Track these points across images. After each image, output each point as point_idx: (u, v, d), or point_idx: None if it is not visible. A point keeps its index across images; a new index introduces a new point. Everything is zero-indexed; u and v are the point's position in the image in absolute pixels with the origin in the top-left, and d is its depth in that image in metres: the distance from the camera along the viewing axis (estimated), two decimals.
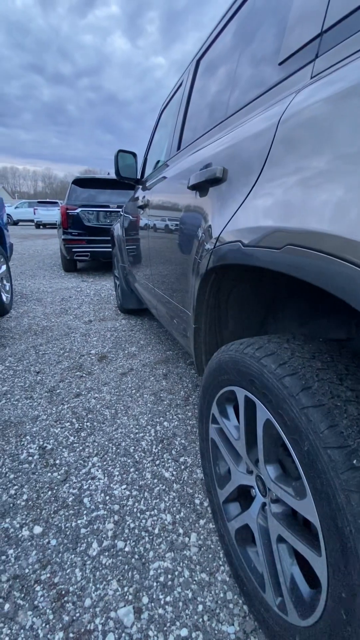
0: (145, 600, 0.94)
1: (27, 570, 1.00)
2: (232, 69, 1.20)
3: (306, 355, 0.66)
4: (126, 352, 2.62)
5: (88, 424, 1.70)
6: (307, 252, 0.54)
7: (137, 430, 1.65)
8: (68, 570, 1.00)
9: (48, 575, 0.99)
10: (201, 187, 1.14)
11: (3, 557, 1.03)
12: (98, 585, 0.97)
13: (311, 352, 0.68)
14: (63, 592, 0.95)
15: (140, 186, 2.62)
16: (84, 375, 2.23)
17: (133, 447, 1.53)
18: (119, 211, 5.26)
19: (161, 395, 1.99)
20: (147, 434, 1.63)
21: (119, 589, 0.96)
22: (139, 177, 2.70)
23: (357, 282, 0.44)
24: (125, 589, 0.96)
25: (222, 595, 0.95)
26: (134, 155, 2.67)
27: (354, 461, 0.49)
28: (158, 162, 2.30)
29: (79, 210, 5.32)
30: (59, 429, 1.65)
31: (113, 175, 5.18)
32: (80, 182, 5.62)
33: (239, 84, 1.13)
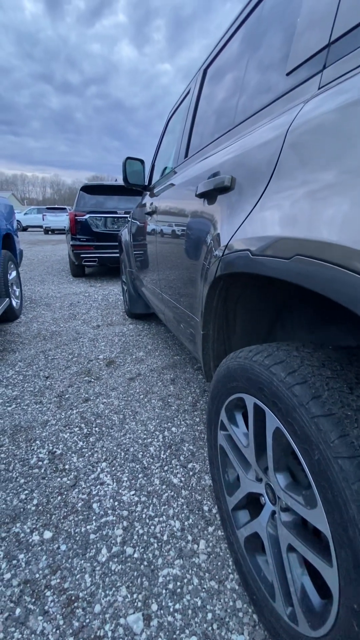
0: (154, 607, 0.94)
1: (37, 575, 1.01)
2: (239, 78, 1.21)
3: (316, 364, 0.66)
4: (134, 357, 2.63)
5: (97, 429, 1.71)
6: (316, 263, 0.54)
7: (145, 436, 1.66)
8: (78, 576, 1.01)
9: (58, 580, 1.00)
10: (209, 195, 1.15)
11: (14, 562, 1.04)
12: (107, 592, 0.97)
13: (321, 360, 0.68)
14: (73, 598, 0.95)
15: (148, 192, 2.64)
16: (92, 380, 2.24)
17: (141, 453, 1.54)
18: (126, 217, 5.31)
19: (169, 400, 2.00)
20: (155, 440, 1.63)
21: (128, 596, 0.96)
22: (146, 183, 2.73)
23: None
24: (135, 595, 0.96)
25: (231, 603, 0.95)
26: (142, 162, 2.70)
27: None
28: (165, 168, 2.33)
29: (87, 216, 5.38)
30: (68, 434, 1.66)
31: (120, 182, 5.24)
32: (88, 189, 5.70)
33: (246, 93, 1.14)
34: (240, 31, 1.27)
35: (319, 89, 0.70)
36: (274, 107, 0.90)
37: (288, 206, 0.67)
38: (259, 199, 0.80)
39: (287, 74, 0.85)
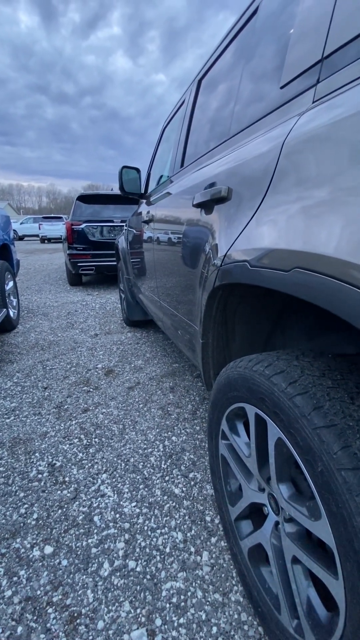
0: (158, 622, 0.92)
1: (39, 592, 0.99)
2: (234, 90, 1.23)
3: (316, 373, 0.67)
4: (132, 365, 2.63)
5: (96, 440, 1.69)
6: (315, 276, 0.54)
7: (145, 446, 1.65)
8: (80, 592, 0.99)
9: (60, 596, 0.98)
10: (206, 205, 1.16)
11: (15, 579, 1.03)
12: (110, 607, 0.96)
13: (321, 369, 0.68)
14: (75, 615, 0.94)
15: (144, 201, 2.66)
16: (91, 390, 2.23)
17: (142, 463, 1.52)
18: (122, 225, 5.33)
19: (169, 409, 1.99)
20: (156, 449, 1.62)
21: (132, 611, 0.95)
22: (142, 192, 2.75)
23: None
24: (138, 610, 0.95)
25: (236, 616, 0.94)
26: (138, 170, 2.72)
27: None
28: (161, 177, 2.35)
29: (83, 225, 5.40)
30: (67, 445, 1.65)
31: (116, 191, 5.27)
32: (84, 199, 5.74)
33: (240, 105, 1.16)
34: (233, 44, 1.29)
35: (313, 102, 0.71)
36: (269, 119, 0.91)
37: (287, 217, 0.68)
38: (257, 210, 0.81)
39: (282, 87, 0.87)
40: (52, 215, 22.20)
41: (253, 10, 1.13)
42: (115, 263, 5.14)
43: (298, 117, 0.74)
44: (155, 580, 1.03)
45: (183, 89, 2.00)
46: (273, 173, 0.76)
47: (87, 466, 1.50)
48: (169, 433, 1.75)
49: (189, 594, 0.99)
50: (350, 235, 0.50)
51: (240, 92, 1.17)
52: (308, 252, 0.57)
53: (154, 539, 1.16)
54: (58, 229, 18.81)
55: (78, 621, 0.92)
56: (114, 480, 1.42)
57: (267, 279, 0.70)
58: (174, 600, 0.98)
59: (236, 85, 1.21)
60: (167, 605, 0.96)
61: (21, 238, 22.92)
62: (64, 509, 1.27)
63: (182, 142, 1.82)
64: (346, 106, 0.58)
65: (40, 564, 1.07)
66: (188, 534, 1.18)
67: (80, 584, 1.02)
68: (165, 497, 1.34)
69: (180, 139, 1.86)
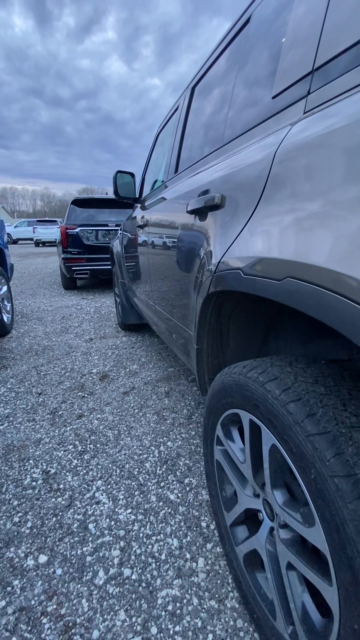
0: (154, 630, 0.92)
1: (33, 602, 0.98)
2: (227, 97, 1.24)
3: (309, 380, 0.67)
4: (127, 370, 2.62)
5: (91, 446, 1.69)
6: (307, 286, 0.55)
7: (140, 452, 1.64)
8: (75, 601, 0.99)
9: (54, 606, 0.97)
10: (200, 212, 1.17)
11: (9, 589, 1.02)
12: (105, 616, 0.95)
13: (314, 376, 0.69)
14: (70, 624, 0.93)
15: (139, 205, 2.67)
16: (85, 395, 2.22)
17: (137, 469, 1.52)
18: (117, 229, 5.33)
19: (164, 414, 1.99)
20: (151, 455, 1.62)
21: (127, 620, 0.94)
22: (137, 196, 2.76)
23: (355, 319, 0.46)
24: (134, 619, 0.94)
25: (232, 623, 0.94)
26: (132, 175, 2.73)
27: None
28: (155, 181, 2.36)
29: (78, 229, 5.40)
30: (62, 452, 1.64)
31: (111, 195, 5.27)
32: (79, 203, 5.74)
33: (233, 113, 1.17)
34: (226, 52, 1.31)
35: (304, 113, 0.72)
36: (261, 128, 0.92)
37: (279, 226, 0.69)
38: (250, 217, 0.82)
39: (274, 97, 0.88)
40: (47, 218, 22.14)
41: (245, 19, 1.14)
42: (110, 267, 5.14)
43: (290, 127, 0.75)
44: (151, 588, 1.02)
45: (178, 93, 2.02)
46: (266, 181, 0.77)
47: (81, 473, 1.50)
48: (165, 438, 1.75)
49: (184, 601, 0.99)
50: (342, 245, 0.50)
51: (233, 100, 1.18)
52: (300, 262, 0.58)
53: (150, 546, 1.15)
54: (52, 232, 18.75)
55: (73, 631, 0.91)
56: (109, 486, 1.42)
57: (260, 287, 0.71)
58: (170, 607, 0.97)
59: (229, 94, 1.22)
60: (163, 613, 0.96)
61: (15, 241, 22.82)
62: (59, 517, 1.27)
63: (176, 148, 1.83)
64: (336, 118, 0.59)
65: (35, 573, 1.06)
66: (184, 541, 1.17)
67: (75, 593, 1.01)
68: (161, 504, 1.33)
69: (175, 144, 1.87)
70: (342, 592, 0.52)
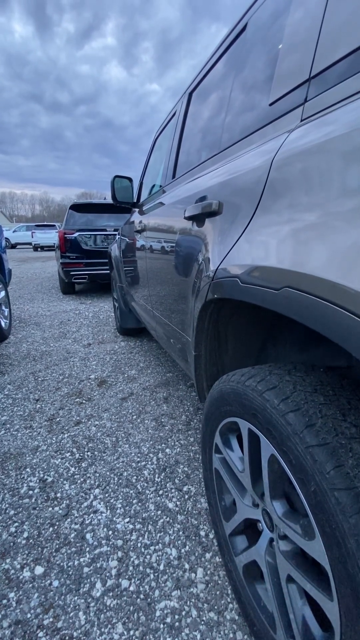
0: None
1: (29, 615, 0.96)
2: (224, 104, 1.24)
3: (308, 389, 0.66)
4: (126, 375, 2.61)
5: (89, 453, 1.67)
6: (305, 297, 0.54)
7: (138, 459, 1.62)
8: (71, 614, 0.97)
9: (51, 619, 0.95)
10: (198, 218, 1.17)
11: (4, 601, 1.00)
12: (103, 629, 0.93)
13: (313, 385, 0.68)
14: (67, 638, 0.91)
15: (137, 210, 2.67)
16: (83, 401, 2.21)
17: (135, 477, 1.50)
18: (115, 234, 5.34)
19: (162, 420, 1.97)
20: (149, 462, 1.60)
21: (125, 633, 0.92)
22: (135, 201, 2.76)
23: (353, 331, 0.45)
24: (132, 632, 0.93)
25: (231, 635, 0.92)
26: (130, 180, 2.73)
27: None
28: (153, 186, 2.36)
29: (76, 234, 5.41)
30: (59, 459, 1.62)
31: (109, 200, 5.28)
32: (77, 208, 5.76)
33: (230, 120, 1.17)
34: (223, 59, 1.31)
35: (301, 120, 0.72)
36: (259, 135, 0.92)
37: (277, 234, 0.68)
38: (248, 225, 0.81)
39: (270, 104, 0.88)
40: (45, 223, 22.15)
41: (242, 26, 1.15)
42: (108, 271, 5.13)
43: (288, 134, 0.75)
44: (149, 599, 1.01)
45: (176, 98, 2.03)
46: (263, 188, 0.77)
47: (79, 481, 1.48)
48: (163, 445, 1.73)
49: (183, 613, 0.97)
50: (341, 255, 0.50)
51: (230, 106, 1.18)
52: (298, 271, 0.57)
53: (148, 556, 1.14)
54: (51, 236, 18.77)
55: None
56: (106, 495, 1.40)
57: (258, 297, 0.70)
58: (168, 620, 0.95)
59: (226, 100, 1.23)
60: (161, 625, 0.94)
61: (14, 246, 22.81)
62: (56, 527, 1.25)
63: (173, 153, 1.83)
64: (333, 126, 0.59)
65: (31, 585, 1.04)
66: (182, 550, 1.16)
67: (71, 605, 0.99)
68: (159, 512, 1.31)
69: (172, 150, 1.87)
70: (344, 607, 0.51)
